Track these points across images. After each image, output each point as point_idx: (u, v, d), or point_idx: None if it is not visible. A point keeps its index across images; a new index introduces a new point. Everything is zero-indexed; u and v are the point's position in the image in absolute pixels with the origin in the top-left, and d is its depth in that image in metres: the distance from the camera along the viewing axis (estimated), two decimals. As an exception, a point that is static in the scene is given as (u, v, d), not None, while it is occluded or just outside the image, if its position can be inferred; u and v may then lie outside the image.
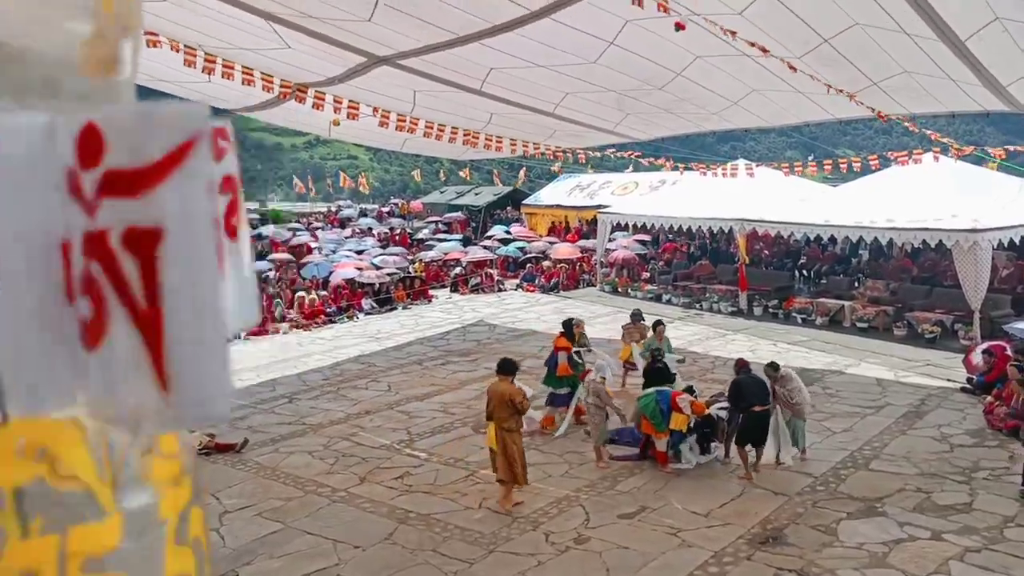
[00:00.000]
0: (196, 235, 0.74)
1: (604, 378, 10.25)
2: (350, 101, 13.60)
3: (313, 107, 13.20)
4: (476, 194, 36.99)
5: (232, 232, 0.92)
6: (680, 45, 10.97)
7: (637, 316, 13.55)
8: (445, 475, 9.63)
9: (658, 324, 12.67)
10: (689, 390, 10.12)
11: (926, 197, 16.68)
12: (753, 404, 9.33)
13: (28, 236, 0.77)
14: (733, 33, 10.01)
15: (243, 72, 11.85)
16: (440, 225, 35.06)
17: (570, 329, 11.70)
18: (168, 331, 0.75)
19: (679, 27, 9.52)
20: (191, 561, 0.96)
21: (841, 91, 12.29)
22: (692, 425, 9.59)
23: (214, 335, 0.76)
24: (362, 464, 10.03)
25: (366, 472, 9.76)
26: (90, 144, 0.75)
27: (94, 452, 0.85)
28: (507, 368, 8.79)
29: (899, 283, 19.06)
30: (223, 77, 11.51)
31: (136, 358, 0.75)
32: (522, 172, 27.42)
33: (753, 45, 10.35)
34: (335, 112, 13.45)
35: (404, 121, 14.58)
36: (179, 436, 0.97)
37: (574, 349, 11.32)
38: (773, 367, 9.72)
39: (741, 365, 9.92)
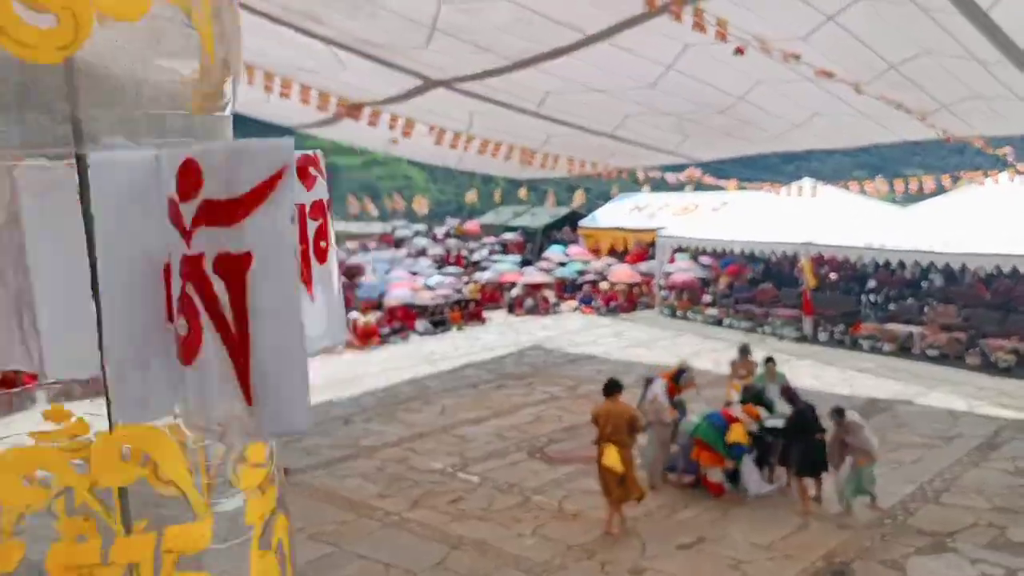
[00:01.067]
0: (281, 261, 0.81)
1: (656, 397, 10.01)
2: (406, 119, 13.72)
3: (368, 124, 13.35)
4: (533, 215, 36.93)
5: (322, 256, 1.00)
6: (741, 69, 10.84)
7: (745, 351, 12.23)
8: (499, 500, 9.52)
9: (769, 360, 11.48)
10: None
11: (1000, 219, 16.08)
12: (815, 432, 9.02)
13: (135, 259, 0.87)
14: (796, 57, 9.84)
15: (301, 91, 12.06)
16: (496, 246, 35.04)
17: (678, 378, 10.63)
18: (253, 349, 0.82)
19: (739, 51, 9.43)
20: (274, 566, 1.05)
21: (910, 112, 11.98)
22: (753, 436, 9.32)
23: (295, 354, 0.83)
24: (415, 488, 9.97)
25: (419, 496, 9.70)
26: (189, 177, 0.83)
27: (190, 459, 0.94)
28: (617, 388, 8.81)
29: (972, 309, 18.37)
30: (281, 96, 11.72)
31: (225, 373, 0.83)
32: (579, 193, 27.26)
33: (820, 74, 10.16)
34: (391, 129, 13.58)
35: (459, 139, 14.63)
36: (266, 447, 1.08)
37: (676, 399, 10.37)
38: (839, 413, 9.09)
39: (790, 395, 9.57)
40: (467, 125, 14.81)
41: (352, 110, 13.25)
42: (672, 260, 24.77)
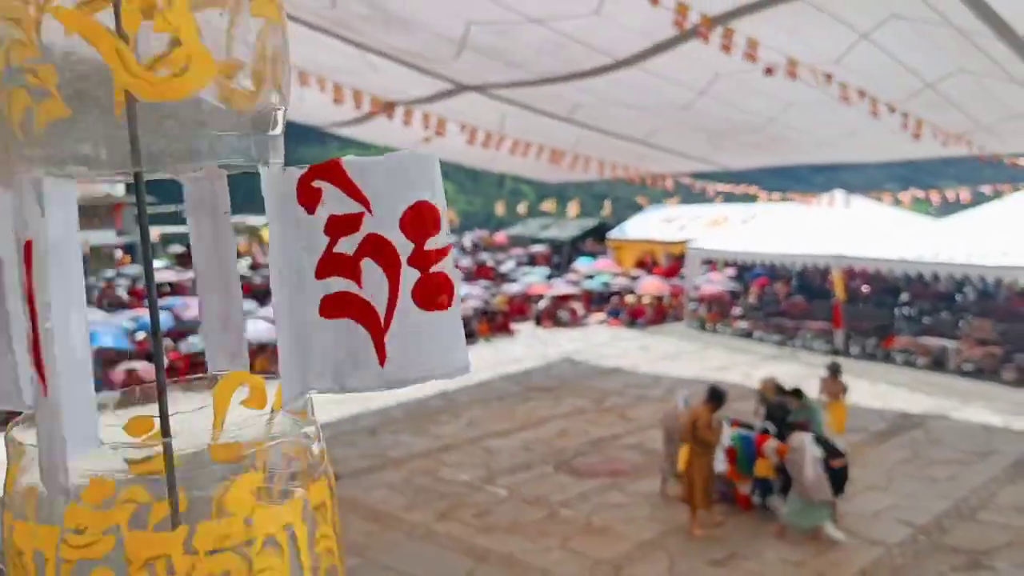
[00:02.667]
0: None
1: (678, 406, 9.90)
2: (438, 118, 13.78)
3: (403, 123, 13.41)
4: (561, 227, 36.93)
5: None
6: (773, 93, 10.79)
7: (835, 369, 11.52)
8: (526, 514, 9.47)
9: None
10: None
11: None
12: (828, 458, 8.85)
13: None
14: (828, 77, 9.77)
15: (334, 89, 12.15)
16: (524, 258, 35.05)
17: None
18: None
19: (768, 72, 9.44)
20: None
21: (946, 134, 11.85)
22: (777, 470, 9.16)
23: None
24: (442, 500, 9.96)
25: (446, 508, 9.68)
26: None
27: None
28: (711, 396, 8.91)
29: (1008, 323, 18.04)
30: (318, 91, 11.83)
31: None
32: (607, 203, 27.16)
33: (847, 98, 10.06)
34: (425, 128, 13.63)
35: (491, 138, 14.64)
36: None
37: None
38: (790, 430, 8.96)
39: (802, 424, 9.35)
40: (499, 126, 14.81)
41: (386, 107, 13.28)
42: (714, 268, 24.65)
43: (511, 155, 15.54)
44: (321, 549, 1.11)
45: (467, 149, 15.54)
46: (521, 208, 30.09)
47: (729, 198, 22.13)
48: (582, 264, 30.33)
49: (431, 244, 1.06)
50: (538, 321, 24.28)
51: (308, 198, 1.03)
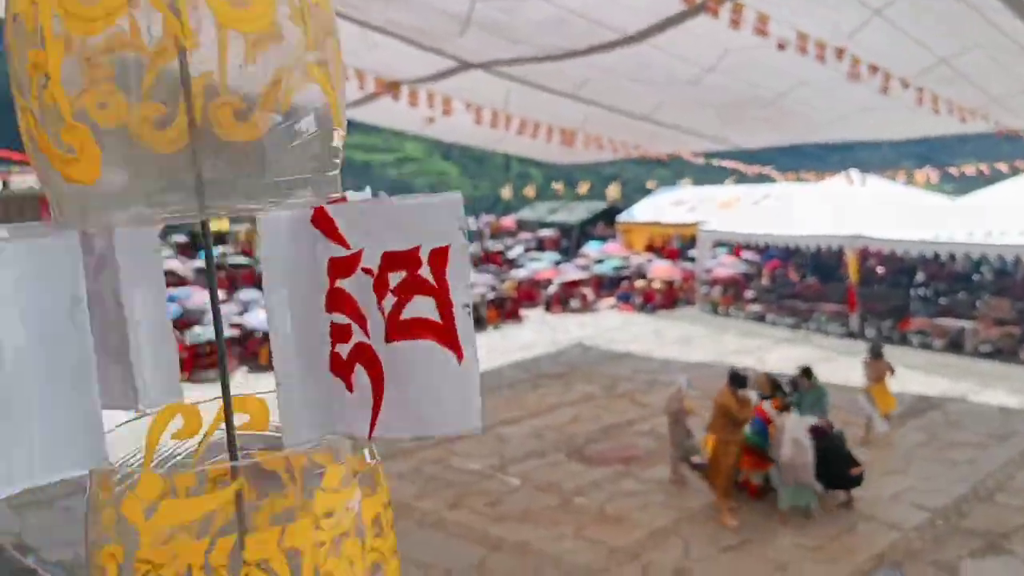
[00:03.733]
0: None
1: (681, 389, 9.74)
2: (443, 97, 13.59)
3: (409, 104, 13.22)
4: (569, 210, 36.65)
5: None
6: (784, 69, 10.60)
7: (876, 350, 11.51)
8: (539, 502, 9.37)
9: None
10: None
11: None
12: (845, 460, 8.75)
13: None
14: (840, 52, 9.58)
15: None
16: (532, 242, 34.78)
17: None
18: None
19: (780, 47, 9.30)
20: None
21: (962, 109, 11.63)
22: None
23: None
24: (453, 488, 9.87)
25: (457, 497, 9.59)
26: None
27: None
28: (733, 378, 8.87)
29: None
30: None
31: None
32: (613, 186, 26.82)
33: (858, 74, 9.88)
34: (430, 107, 13.43)
35: (498, 118, 14.41)
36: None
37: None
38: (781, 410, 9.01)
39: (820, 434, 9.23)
40: (504, 104, 14.58)
41: (391, 87, 13.07)
42: (738, 252, 24.50)
43: (519, 136, 15.32)
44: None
45: (474, 130, 15.32)
46: (529, 191, 29.78)
47: (742, 179, 21.87)
48: (591, 248, 30.05)
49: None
50: (547, 307, 24.12)
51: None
